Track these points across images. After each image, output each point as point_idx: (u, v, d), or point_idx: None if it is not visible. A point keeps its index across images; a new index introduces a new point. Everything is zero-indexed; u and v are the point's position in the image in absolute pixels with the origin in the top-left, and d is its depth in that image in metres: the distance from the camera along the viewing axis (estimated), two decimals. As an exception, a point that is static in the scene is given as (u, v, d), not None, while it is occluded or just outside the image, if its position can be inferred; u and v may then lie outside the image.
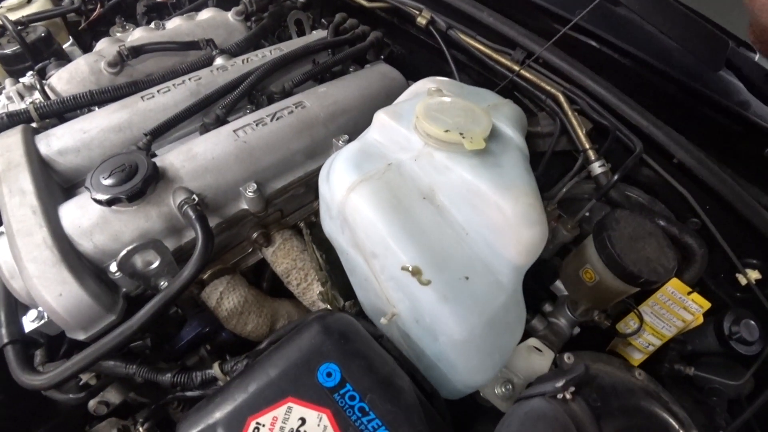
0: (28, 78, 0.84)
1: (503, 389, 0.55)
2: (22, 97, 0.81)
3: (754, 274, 0.65)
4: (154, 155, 0.65)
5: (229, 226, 0.65)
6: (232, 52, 0.85)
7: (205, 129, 0.71)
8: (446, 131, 0.47)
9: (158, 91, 0.74)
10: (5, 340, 0.53)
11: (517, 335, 0.51)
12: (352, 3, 0.93)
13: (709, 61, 0.74)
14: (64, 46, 1.00)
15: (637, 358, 0.67)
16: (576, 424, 0.43)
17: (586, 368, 0.45)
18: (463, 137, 0.46)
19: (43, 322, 0.54)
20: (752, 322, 0.63)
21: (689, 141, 0.74)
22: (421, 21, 0.80)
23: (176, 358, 0.69)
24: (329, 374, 0.43)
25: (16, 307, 0.57)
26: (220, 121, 0.70)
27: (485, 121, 0.49)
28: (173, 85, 0.75)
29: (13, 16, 1.03)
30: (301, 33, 1.04)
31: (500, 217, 0.46)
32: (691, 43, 0.71)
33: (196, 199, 0.58)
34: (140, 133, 0.68)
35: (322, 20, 1.01)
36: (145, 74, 0.81)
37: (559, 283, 0.67)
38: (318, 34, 0.94)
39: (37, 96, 0.80)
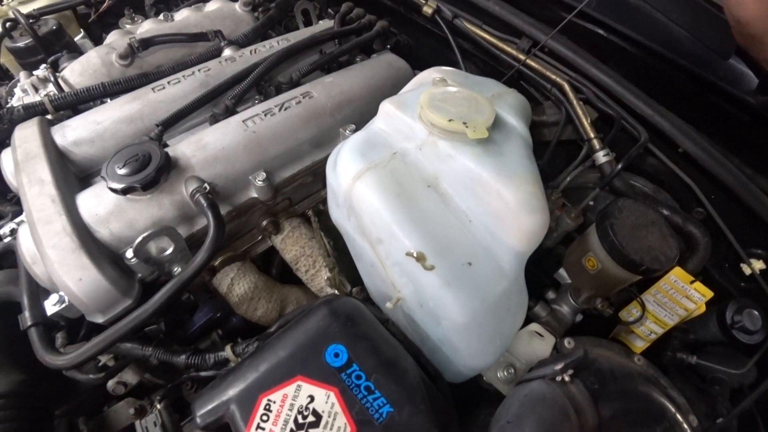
0: (41, 71, 0.86)
1: (505, 373, 0.56)
2: (36, 90, 0.83)
3: (758, 264, 0.66)
4: (166, 145, 0.67)
5: (239, 214, 0.67)
6: (240, 43, 0.87)
7: (214, 119, 0.72)
8: (450, 120, 0.48)
9: (168, 83, 0.76)
10: (29, 323, 0.56)
11: (518, 320, 0.53)
12: (358, -7, 0.94)
13: (718, 49, 0.73)
14: (75, 39, 1.02)
15: (640, 345, 0.69)
16: (574, 406, 0.45)
17: (585, 352, 0.46)
18: (467, 126, 0.47)
19: (64, 305, 0.57)
20: (755, 312, 0.64)
21: (697, 130, 0.74)
22: (427, 10, 0.80)
23: (189, 343, 0.72)
24: (336, 355, 0.45)
25: (38, 292, 0.60)
26: (229, 112, 0.72)
27: (488, 110, 0.50)
28: (183, 76, 0.77)
29: (24, 10, 1.05)
30: (307, 23, 1.05)
31: (502, 205, 0.47)
32: (701, 30, 0.70)
33: (208, 187, 0.60)
34: (152, 124, 0.70)
35: (329, 10, 1.02)
36: (155, 66, 0.83)
37: (562, 271, 0.68)
38: (325, 24, 0.95)
39: (50, 88, 0.82)
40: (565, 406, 0.45)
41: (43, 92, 0.81)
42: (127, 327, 0.54)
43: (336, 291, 0.65)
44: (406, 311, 0.54)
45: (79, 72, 0.82)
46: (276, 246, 0.76)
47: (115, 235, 0.58)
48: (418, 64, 0.85)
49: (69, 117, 0.74)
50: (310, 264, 0.74)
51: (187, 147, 0.64)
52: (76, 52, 0.98)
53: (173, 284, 0.56)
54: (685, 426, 0.46)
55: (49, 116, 0.75)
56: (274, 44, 0.85)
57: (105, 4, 1.15)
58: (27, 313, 0.57)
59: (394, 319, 0.59)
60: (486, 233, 0.50)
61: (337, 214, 0.60)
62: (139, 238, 0.56)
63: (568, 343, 0.49)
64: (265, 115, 0.69)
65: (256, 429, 0.42)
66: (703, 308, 0.63)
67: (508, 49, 0.73)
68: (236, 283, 0.71)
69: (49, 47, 0.99)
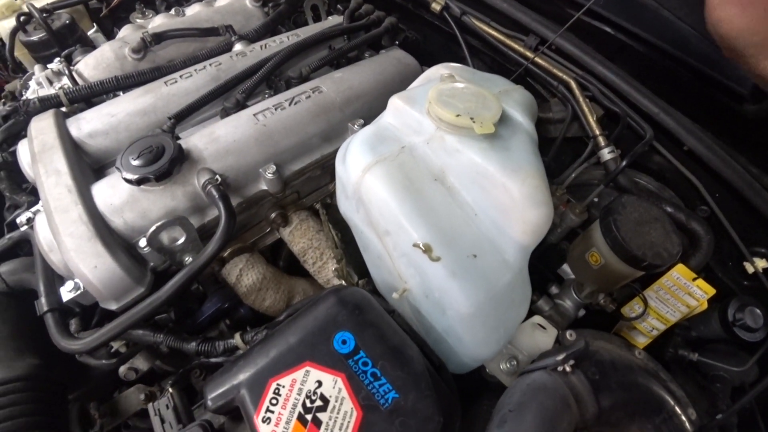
0: (56, 64, 0.88)
1: (508, 365, 0.58)
2: (51, 83, 0.85)
3: (761, 263, 0.67)
4: (178, 138, 0.69)
5: (249, 206, 0.69)
6: (251, 38, 0.88)
7: (225, 113, 0.74)
8: (457, 116, 0.49)
9: (180, 77, 0.78)
10: (45, 308, 0.58)
11: (522, 312, 0.54)
12: (367, -12, 0.95)
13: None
14: (89, 33, 1.04)
15: (641, 341, 0.70)
16: (574, 396, 0.46)
17: (586, 344, 0.47)
18: (474, 122, 0.48)
19: (79, 292, 0.59)
20: (756, 310, 0.65)
21: (703, 128, 0.75)
22: (436, 7, 0.81)
23: (197, 332, 0.74)
24: (344, 342, 0.46)
25: (54, 279, 0.62)
26: (240, 106, 0.74)
27: (495, 106, 0.51)
28: (195, 70, 0.79)
29: (38, 4, 1.07)
30: (317, 18, 1.06)
31: (507, 198, 0.49)
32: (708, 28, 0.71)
33: (219, 179, 0.61)
34: (164, 117, 0.72)
35: (338, 6, 1.03)
36: (167, 60, 0.85)
37: (566, 267, 0.69)
38: (334, 20, 0.96)
39: (65, 81, 0.84)
40: (565, 395, 0.46)
41: (57, 85, 0.83)
42: (140, 313, 0.56)
43: (343, 282, 0.67)
44: (412, 302, 0.56)
45: (92, 65, 0.84)
46: (284, 238, 0.78)
47: (129, 225, 0.60)
48: (427, 60, 0.86)
49: (82, 110, 0.76)
50: (317, 256, 0.76)
51: (199, 139, 0.66)
52: (89, 46, 1.00)
53: (185, 273, 0.58)
54: (683, 418, 0.47)
55: (63, 108, 0.77)
56: (284, 39, 0.87)
57: (116, -1, 1.17)
58: (43, 299, 0.59)
59: (400, 310, 0.60)
60: (491, 226, 0.51)
61: (345, 206, 0.61)
62: (153, 228, 0.58)
63: (569, 335, 0.51)
64: (276, 109, 0.70)
65: (266, 412, 0.44)
66: (705, 305, 0.64)
67: (516, 46, 0.74)
68: (245, 274, 0.72)
69: (62, 41, 1.01)
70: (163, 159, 0.60)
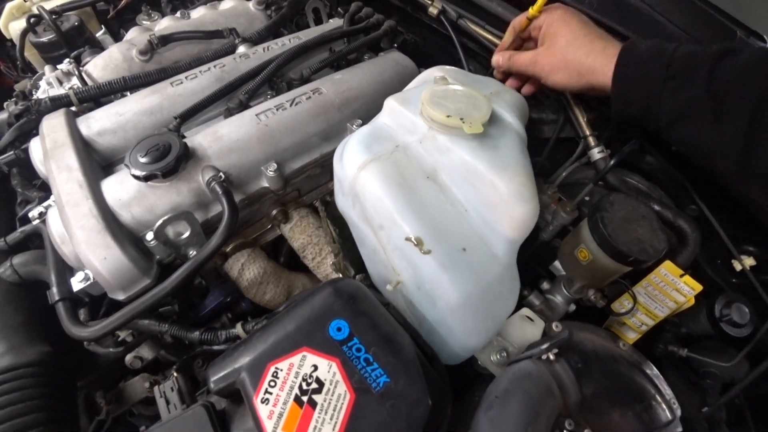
0: (65, 65, 0.92)
1: (498, 356, 0.61)
2: (60, 83, 0.90)
3: (748, 261, 0.70)
4: (183, 136, 0.73)
5: (250, 203, 0.73)
6: (254, 41, 0.92)
7: (229, 113, 0.78)
8: (448, 116, 0.53)
9: (186, 78, 0.82)
10: (57, 298, 0.62)
11: (510, 305, 0.57)
12: (367, -8, 0.99)
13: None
14: (97, 35, 1.08)
15: (632, 337, 0.72)
16: (558, 383, 0.50)
17: (570, 334, 0.51)
18: (463, 122, 0.51)
19: (89, 283, 0.62)
20: (743, 306, 0.68)
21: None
22: (433, 11, 0.85)
23: (200, 325, 0.78)
24: (339, 329, 0.50)
25: (65, 270, 0.66)
26: (243, 106, 0.78)
27: (485, 107, 0.54)
28: (199, 71, 0.83)
29: (47, 6, 1.12)
30: (318, 21, 1.11)
31: (495, 195, 0.52)
32: (699, 32, 0.74)
33: (223, 176, 0.65)
34: (170, 116, 0.76)
35: (339, 8, 1.07)
36: (173, 61, 0.89)
37: (557, 263, 0.72)
38: (335, 23, 1.00)
39: (74, 82, 0.89)
40: (549, 382, 0.49)
41: (67, 85, 0.88)
42: (147, 303, 0.60)
43: (341, 275, 0.70)
44: (405, 295, 0.59)
45: (101, 66, 0.88)
46: (284, 234, 0.82)
47: (137, 219, 0.64)
48: (425, 62, 0.90)
49: (91, 109, 0.81)
50: (316, 252, 0.79)
51: (204, 138, 0.70)
52: (97, 47, 1.04)
53: (189, 264, 0.61)
54: (664, 406, 0.50)
55: (73, 108, 0.82)
56: (286, 42, 0.91)
57: (123, 1, 1.22)
58: (55, 289, 0.63)
59: (394, 302, 0.64)
60: (480, 221, 0.54)
61: (342, 202, 0.65)
62: (159, 221, 0.62)
63: (555, 326, 0.54)
64: (277, 110, 0.74)
65: (264, 394, 0.47)
66: (693, 301, 0.67)
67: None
68: (246, 268, 0.76)
69: (71, 42, 1.05)
70: (169, 156, 0.64)
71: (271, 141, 0.72)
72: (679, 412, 0.52)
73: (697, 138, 0.56)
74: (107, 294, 0.64)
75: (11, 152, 0.78)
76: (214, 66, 0.84)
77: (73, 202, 0.62)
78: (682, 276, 0.66)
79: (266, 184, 0.72)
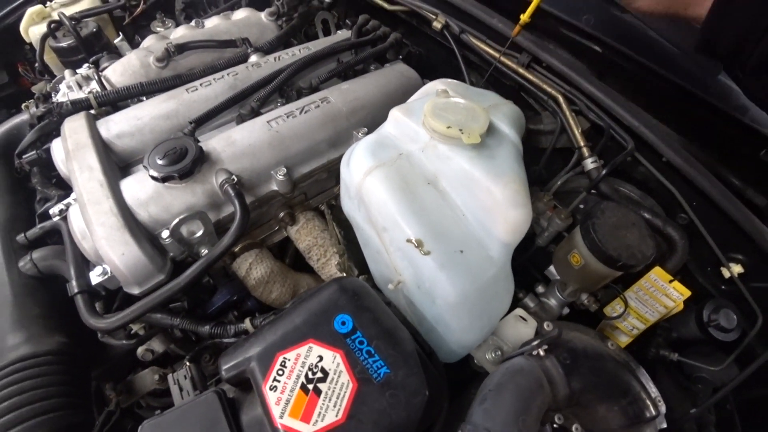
0: (84, 69, 0.98)
1: (493, 355, 0.65)
2: (80, 87, 0.95)
3: (737, 268, 0.73)
4: (197, 141, 0.79)
5: (260, 205, 0.78)
6: (265, 50, 0.98)
7: (241, 119, 0.83)
8: (448, 127, 0.58)
9: (200, 84, 0.87)
10: (76, 290, 0.67)
11: (505, 304, 0.61)
12: (374, 5, 1.05)
13: (708, 66, 0.82)
14: (115, 41, 1.15)
15: (623, 340, 0.76)
16: (548, 377, 0.54)
17: (559, 332, 0.55)
18: (462, 133, 0.56)
19: (106, 277, 0.67)
20: (730, 311, 0.71)
21: (688, 142, 0.83)
22: (437, 25, 0.91)
23: (208, 321, 0.82)
24: (343, 323, 0.54)
25: (83, 265, 0.71)
26: (255, 113, 0.83)
27: (483, 119, 0.59)
28: (213, 79, 0.89)
29: (67, 12, 1.19)
30: (326, 32, 1.17)
31: (491, 200, 0.57)
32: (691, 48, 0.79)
33: (235, 179, 0.70)
34: (185, 121, 0.81)
35: (347, 20, 1.13)
36: (188, 68, 0.95)
37: (552, 268, 0.76)
38: (343, 34, 1.06)
39: (93, 86, 0.94)
40: (539, 377, 0.53)
41: (86, 89, 0.94)
42: (162, 297, 0.64)
43: (344, 274, 0.75)
44: (406, 294, 0.64)
45: (120, 72, 0.94)
46: (291, 236, 0.86)
47: (153, 217, 0.69)
48: (429, 73, 0.95)
49: (109, 112, 0.86)
50: (321, 253, 0.84)
51: (217, 143, 0.75)
52: (114, 52, 1.10)
53: (203, 262, 0.66)
54: (649, 402, 0.54)
55: (92, 111, 0.87)
56: (296, 52, 0.97)
57: (139, 8, 1.28)
58: (74, 282, 0.67)
59: (395, 302, 0.68)
60: (477, 225, 0.59)
61: (348, 205, 0.70)
62: (176, 220, 0.67)
63: (546, 326, 0.58)
64: (288, 117, 0.79)
65: (273, 381, 0.51)
66: (681, 306, 0.71)
67: (509, 63, 0.83)
68: (254, 268, 0.81)
69: (89, 47, 1.12)
70: (186, 159, 0.69)
71: (282, 146, 0.77)
72: (663, 409, 0.55)
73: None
74: (123, 288, 0.69)
75: (33, 152, 0.83)
76: (228, 74, 0.90)
77: (95, 200, 0.67)
78: (671, 281, 0.70)
79: (276, 188, 0.77)
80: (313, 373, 0.52)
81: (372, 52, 0.96)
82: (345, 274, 0.74)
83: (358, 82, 0.90)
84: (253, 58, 0.95)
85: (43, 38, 1.14)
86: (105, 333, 0.71)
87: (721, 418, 0.79)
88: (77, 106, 0.86)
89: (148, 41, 1.03)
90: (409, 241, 0.57)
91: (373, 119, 0.84)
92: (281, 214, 0.83)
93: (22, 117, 0.94)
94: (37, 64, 1.20)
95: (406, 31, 1.03)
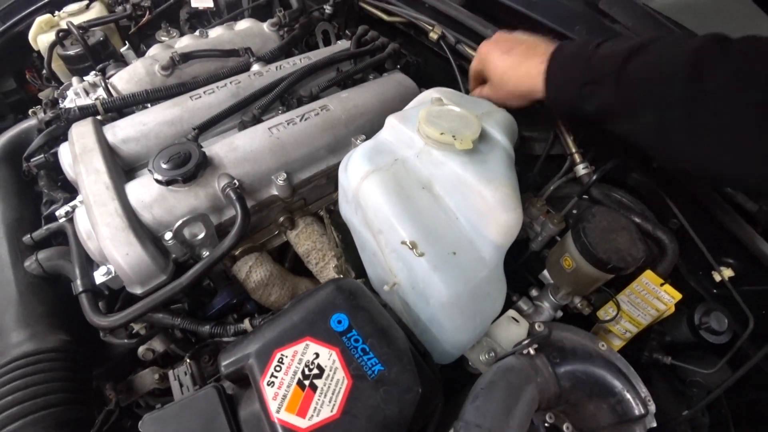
0: (91, 77, 1.03)
1: (487, 356, 0.67)
2: (87, 93, 1.00)
3: (727, 272, 0.76)
4: (200, 146, 0.82)
5: (260, 209, 0.81)
6: (267, 60, 1.03)
7: (243, 126, 0.87)
8: (441, 134, 0.61)
9: (204, 92, 0.91)
10: (80, 289, 0.70)
11: (497, 305, 0.64)
12: (373, 16, 1.10)
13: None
14: (121, 50, 1.20)
15: (617, 344, 0.79)
16: (538, 375, 0.56)
17: (549, 331, 0.57)
18: (455, 139, 0.60)
19: (110, 276, 0.70)
20: (721, 314, 0.74)
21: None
22: (433, 36, 0.95)
23: (208, 322, 0.85)
24: (339, 321, 0.57)
25: (87, 265, 0.74)
26: (256, 120, 0.87)
27: (475, 126, 0.63)
28: (216, 87, 0.93)
29: (75, 21, 1.24)
30: (327, 42, 1.21)
31: (483, 204, 0.60)
32: None
33: (237, 183, 0.74)
34: (189, 127, 0.85)
35: (347, 31, 1.18)
36: (192, 77, 0.99)
37: (546, 272, 0.79)
38: (342, 44, 1.10)
39: (99, 92, 0.99)
40: (530, 375, 0.56)
41: (93, 96, 0.98)
42: (164, 296, 0.67)
43: (342, 276, 0.78)
44: (401, 296, 0.66)
45: (126, 79, 0.98)
46: (290, 240, 0.89)
47: (157, 219, 0.72)
48: (426, 82, 0.99)
49: (114, 118, 0.90)
50: (319, 257, 0.87)
51: (220, 148, 0.78)
52: (121, 61, 1.15)
53: (204, 263, 0.69)
54: (638, 401, 0.57)
55: (99, 117, 0.91)
56: (296, 61, 1.01)
57: (145, 18, 1.34)
58: (78, 281, 0.70)
59: (390, 304, 0.71)
60: (470, 228, 0.62)
61: (346, 209, 0.73)
62: (179, 222, 0.70)
63: (538, 326, 0.60)
64: (288, 124, 0.83)
65: (270, 377, 0.54)
66: (673, 309, 0.73)
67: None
68: (254, 271, 0.84)
69: (96, 56, 1.16)
70: (189, 164, 0.73)
71: (282, 152, 0.81)
72: (653, 408, 0.57)
73: (620, 133, 0.64)
74: (125, 288, 0.72)
75: (41, 155, 0.87)
76: (231, 82, 0.94)
77: (101, 201, 0.70)
78: (662, 285, 0.73)
79: (276, 192, 0.80)
80: (310, 370, 0.54)
81: (371, 62, 1.00)
82: (343, 277, 0.77)
83: (357, 90, 0.94)
84: (255, 67, 0.99)
85: (52, 46, 1.18)
86: (107, 331, 0.74)
87: (716, 422, 0.81)
88: (84, 112, 0.90)
89: (154, 50, 1.08)
90: (403, 242, 0.60)
91: (372, 126, 0.88)
92: (281, 219, 0.86)
93: (30, 122, 0.98)
94: (44, 71, 1.25)
95: (403, 42, 1.08)
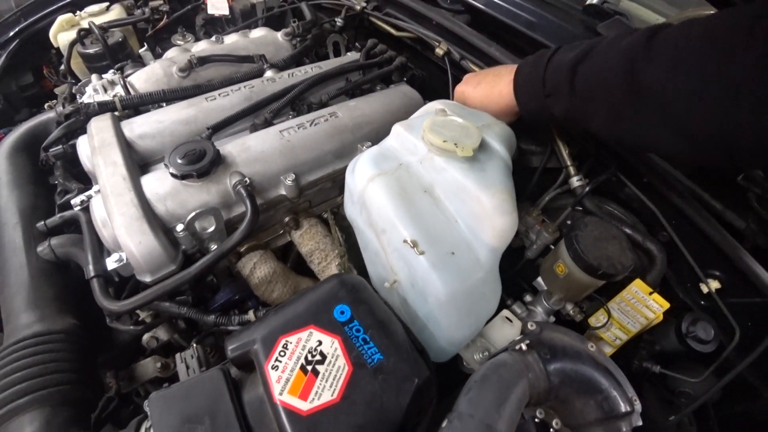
0: (110, 75, 1.09)
1: (481, 355, 0.72)
2: (105, 90, 1.06)
3: (714, 284, 0.81)
4: (214, 145, 0.87)
5: (268, 208, 0.86)
6: (280, 67, 1.09)
7: (254, 128, 0.92)
8: (444, 141, 0.67)
9: (219, 95, 0.97)
10: (92, 274, 0.74)
11: (492, 305, 0.68)
12: (382, 30, 1.17)
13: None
14: (139, 51, 1.26)
15: (608, 351, 0.83)
16: (529, 371, 0.60)
17: (540, 329, 0.62)
18: (456, 147, 0.65)
19: (122, 264, 0.74)
20: (708, 324, 0.78)
21: (674, 167, 0.91)
22: (439, 51, 1.02)
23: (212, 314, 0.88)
24: (342, 312, 0.61)
25: (100, 251, 0.78)
26: (268, 123, 0.92)
27: (476, 135, 0.68)
28: (231, 90, 0.98)
29: (96, 21, 1.31)
30: (337, 53, 1.28)
31: (480, 208, 0.65)
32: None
33: (248, 181, 0.79)
34: (203, 127, 0.90)
35: (356, 43, 1.25)
36: (207, 80, 1.05)
37: (540, 280, 0.84)
38: (352, 56, 1.17)
39: (117, 90, 1.04)
40: (522, 370, 0.60)
41: (111, 93, 1.03)
42: (173, 284, 0.71)
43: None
44: (400, 293, 0.71)
45: (144, 79, 1.04)
46: (294, 240, 0.94)
47: (170, 212, 0.76)
48: (430, 95, 1.05)
49: (129, 115, 0.96)
50: (322, 257, 0.91)
51: (233, 147, 0.83)
52: (138, 61, 1.22)
53: (213, 255, 0.73)
54: (624, 399, 0.60)
55: (116, 113, 0.97)
56: (308, 70, 1.07)
57: (162, 22, 1.41)
58: (90, 267, 0.74)
59: (390, 302, 0.75)
60: (468, 231, 0.67)
61: (351, 209, 0.78)
62: (191, 214, 0.74)
63: (530, 325, 0.65)
64: (298, 128, 0.89)
65: (275, 361, 0.57)
66: (661, 317, 0.77)
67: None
68: (258, 267, 0.88)
69: (114, 55, 1.23)
70: (204, 160, 0.78)
71: (292, 155, 0.86)
72: (638, 407, 0.61)
73: (589, 132, 0.71)
74: (134, 277, 0.76)
75: (59, 147, 0.92)
76: (244, 86, 1.00)
77: (118, 192, 0.75)
78: (651, 294, 0.77)
79: (284, 192, 0.85)
80: (312, 356, 0.58)
81: (378, 74, 1.07)
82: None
83: (364, 100, 1.00)
84: (269, 74, 1.06)
85: (72, 44, 1.25)
86: (115, 317, 0.77)
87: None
88: (103, 108, 0.95)
89: (172, 53, 1.14)
90: (405, 241, 0.65)
91: (377, 135, 0.93)
92: (286, 219, 0.91)
93: (48, 115, 1.03)
94: (61, 68, 1.31)
95: (410, 56, 1.14)
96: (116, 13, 1.41)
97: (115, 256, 0.75)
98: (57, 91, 1.31)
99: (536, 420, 0.63)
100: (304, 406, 0.54)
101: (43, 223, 0.84)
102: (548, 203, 0.89)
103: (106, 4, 1.40)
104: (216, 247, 0.78)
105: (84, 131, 0.89)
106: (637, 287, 0.78)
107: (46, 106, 1.14)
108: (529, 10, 1.05)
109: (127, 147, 0.85)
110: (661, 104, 0.58)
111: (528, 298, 0.82)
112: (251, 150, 0.84)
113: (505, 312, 0.72)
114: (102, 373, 0.80)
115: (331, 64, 1.11)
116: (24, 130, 1.00)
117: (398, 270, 0.68)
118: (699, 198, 0.83)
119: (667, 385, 0.88)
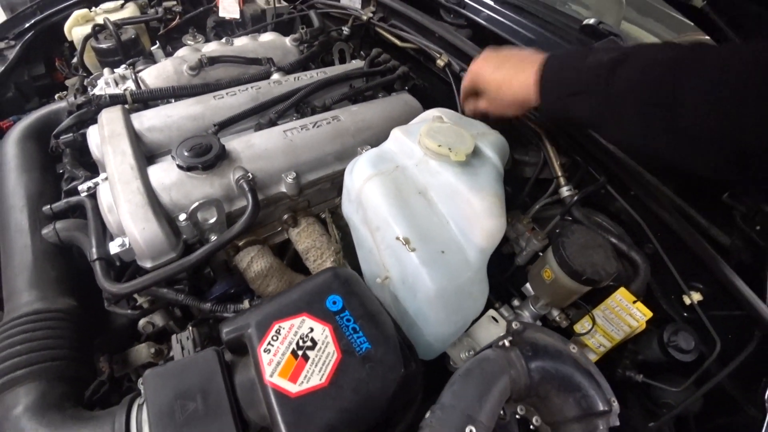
0: (122, 69, 1.14)
1: (467, 354, 0.75)
2: (116, 84, 1.11)
3: (696, 296, 0.85)
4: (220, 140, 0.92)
5: (268, 204, 0.90)
6: (287, 70, 1.15)
7: (259, 127, 0.98)
8: (439, 146, 0.72)
9: (226, 94, 1.02)
10: (95, 257, 0.78)
11: (479, 305, 0.72)
12: (387, 41, 1.23)
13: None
14: (151, 49, 1.33)
15: (592, 358, 0.86)
16: (511, 366, 0.64)
17: (524, 327, 0.65)
18: (450, 151, 0.70)
19: (124, 249, 0.77)
20: (688, 334, 0.82)
21: (664, 183, 0.96)
22: (440, 63, 1.08)
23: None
24: (334, 302, 0.65)
25: (103, 236, 0.82)
26: (272, 123, 0.97)
27: (470, 142, 0.73)
28: (238, 90, 1.04)
29: (111, 18, 1.37)
30: (342, 60, 1.35)
31: (471, 210, 0.69)
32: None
33: (251, 176, 0.83)
34: (209, 124, 0.95)
35: (361, 52, 1.31)
36: (215, 79, 1.11)
37: (528, 285, 0.88)
38: (356, 64, 1.23)
39: (128, 84, 1.10)
40: (504, 365, 0.63)
41: (122, 86, 1.08)
42: (172, 270, 0.75)
43: (338, 268, 0.86)
44: (391, 290, 0.74)
45: (155, 75, 1.10)
46: (291, 238, 0.98)
47: (174, 201, 0.81)
48: (430, 104, 1.09)
49: (138, 109, 1.01)
50: (318, 255, 0.95)
51: (238, 144, 0.88)
52: (149, 58, 1.27)
53: (213, 244, 0.77)
54: (597, 399, 0.64)
55: (126, 106, 1.02)
56: (313, 74, 1.13)
57: (174, 22, 1.48)
58: (94, 250, 0.78)
59: (381, 298, 0.79)
60: (458, 232, 0.71)
61: (348, 208, 0.82)
62: (195, 204, 0.79)
63: (515, 324, 0.68)
64: (301, 129, 0.94)
65: (267, 345, 0.61)
66: (644, 326, 0.81)
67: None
68: (255, 262, 0.92)
69: (126, 51, 1.29)
70: (210, 154, 0.82)
71: (294, 154, 0.91)
72: (616, 407, 0.64)
73: (607, 137, 0.74)
74: (136, 262, 0.80)
75: (70, 135, 0.97)
76: (251, 87, 1.05)
77: (125, 180, 0.79)
78: (635, 302, 0.81)
79: (284, 189, 0.90)
80: (304, 342, 0.61)
81: (381, 82, 1.13)
82: (339, 268, 0.85)
83: (366, 105, 1.05)
84: (275, 76, 1.11)
85: (86, 38, 1.31)
86: (114, 300, 0.81)
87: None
88: (114, 100, 1.00)
89: (183, 52, 1.20)
90: (397, 238, 0.69)
91: (377, 139, 0.98)
92: (285, 216, 0.95)
93: (60, 104, 1.08)
94: (73, 61, 1.37)
95: (413, 66, 1.21)
96: (130, 11, 1.48)
97: (118, 241, 0.78)
98: (68, 83, 1.37)
99: (517, 416, 0.66)
100: (293, 388, 0.58)
101: (49, 207, 0.88)
102: (539, 212, 0.93)
103: (121, 1, 1.47)
104: (216, 237, 0.82)
105: (94, 121, 0.94)
106: (622, 296, 0.82)
107: (56, 96, 1.19)
108: (529, 27, 1.12)
109: (135, 138, 0.90)
110: (699, 118, 0.60)
111: (516, 302, 0.86)
112: (255, 147, 0.88)
113: (492, 312, 0.76)
114: (95, 357, 0.83)
115: (336, 70, 1.17)
116: (35, 118, 1.04)
117: (390, 266, 0.72)
118: (686, 214, 0.87)
119: (650, 396, 0.91)
